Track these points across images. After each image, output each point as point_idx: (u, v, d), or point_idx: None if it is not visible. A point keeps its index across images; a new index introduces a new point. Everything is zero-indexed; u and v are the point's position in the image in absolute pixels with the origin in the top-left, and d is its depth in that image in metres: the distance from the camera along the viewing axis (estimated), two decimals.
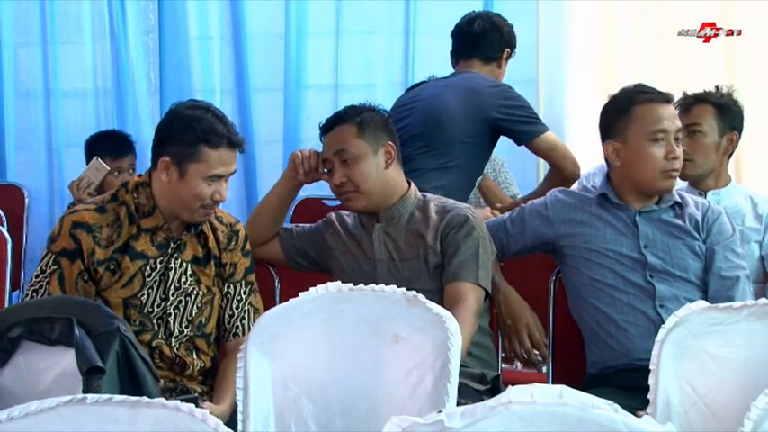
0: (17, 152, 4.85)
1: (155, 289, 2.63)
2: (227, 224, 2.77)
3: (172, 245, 2.65)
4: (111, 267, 2.60)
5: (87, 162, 4.17)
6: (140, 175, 2.73)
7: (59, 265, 2.58)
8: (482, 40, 3.67)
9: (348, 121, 2.82)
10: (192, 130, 2.56)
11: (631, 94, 2.88)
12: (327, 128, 2.86)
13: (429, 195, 2.90)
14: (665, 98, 2.86)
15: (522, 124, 3.49)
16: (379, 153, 2.80)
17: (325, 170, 2.88)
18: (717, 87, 3.35)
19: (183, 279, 2.66)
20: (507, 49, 3.72)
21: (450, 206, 2.83)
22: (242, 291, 2.75)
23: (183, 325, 2.66)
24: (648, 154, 2.81)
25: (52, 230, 2.65)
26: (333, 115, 2.90)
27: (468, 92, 3.52)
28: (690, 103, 3.29)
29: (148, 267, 2.62)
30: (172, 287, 2.64)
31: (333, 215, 2.96)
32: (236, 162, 2.65)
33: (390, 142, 2.82)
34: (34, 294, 2.58)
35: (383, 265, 2.79)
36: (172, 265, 2.65)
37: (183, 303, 2.66)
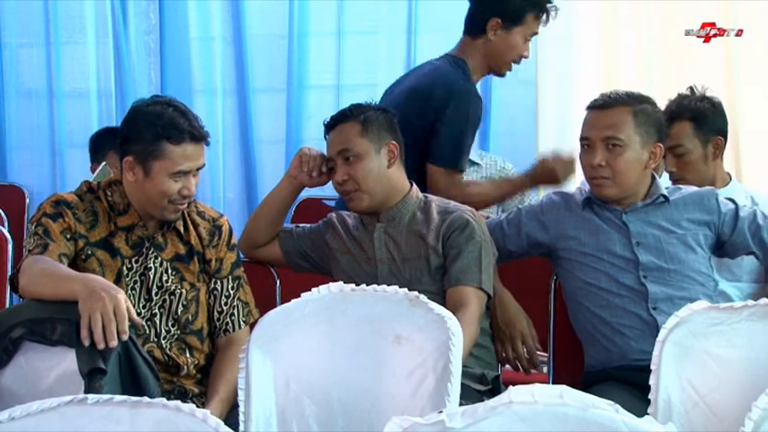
0: (19, 152, 4.86)
1: (137, 290, 2.59)
2: (210, 219, 2.73)
3: (147, 243, 2.62)
4: (92, 258, 2.57)
5: (91, 160, 4.21)
6: (113, 173, 2.72)
7: (42, 223, 2.54)
8: (467, 15, 3.33)
9: (352, 119, 2.82)
10: (152, 127, 2.51)
11: None
12: (331, 125, 2.86)
13: (430, 196, 2.90)
14: (594, 104, 2.84)
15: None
16: (381, 152, 2.80)
17: (329, 168, 2.87)
18: (691, 89, 3.29)
19: (164, 278, 2.63)
20: (496, 18, 3.22)
21: (453, 208, 2.83)
22: (229, 287, 2.72)
23: (170, 324, 2.63)
24: (579, 159, 2.86)
25: (32, 217, 2.62)
26: (337, 113, 2.90)
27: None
28: (666, 124, 3.21)
29: (125, 267, 2.59)
30: (154, 287, 2.61)
31: (333, 215, 2.96)
32: (203, 155, 2.59)
33: (393, 142, 2.82)
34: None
35: (384, 266, 2.79)
36: (151, 264, 2.61)
37: (168, 303, 2.63)
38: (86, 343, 2.17)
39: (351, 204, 2.83)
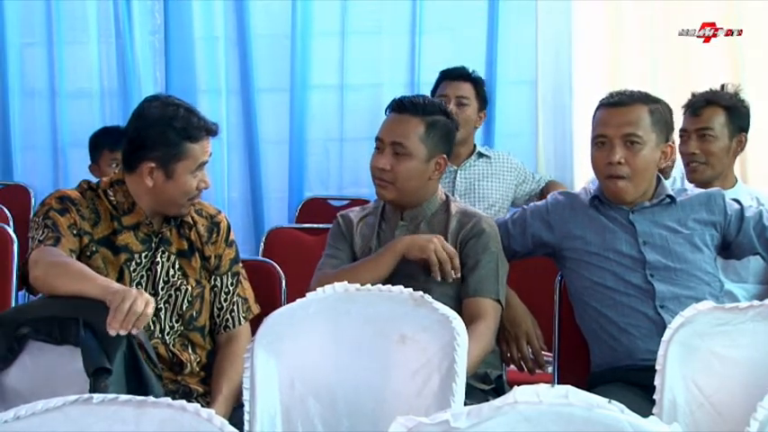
0: (25, 152, 4.86)
1: (143, 284, 2.59)
2: (207, 216, 2.74)
3: (155, 239, 2.63)
4: (97, 255, 2.57)
5: (91, 158, 4.21)
6: (115, 173, 2.72)
7: (50, 216, 2.53)
8: None
9: (420, 115, 2.74)
10: (171, 131, 2.53)
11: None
12: (398, 110, 2.77)
13: (451, 198, 2.88)
14: (610, 102, 2.83)
15: None
16: (431, 162, 2.76)
17: (375, 148, 2.80)
18: (722, 87, 3.34)
19: (171, 273, 2.63)
20: None
21: (471, 212, 2.82)
22: (229, 283, 2.73)
23: (174, 320, 2.63)
24: (593, 157, 2.84)
25: (36, 211, 2.62)
26: (409, 99, 2.79)
27: None
28: (700, 106, 3.27)
29: (133, 262, 2.59)
30: (161, 281, 2.62)
31: (340, 221, 2.91)
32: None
33: (445, 156, 2.79)
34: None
35: (401, 264, 2.73)
36: (158, 259, 2.62)
37: (174, 298, 2.63)
38: (111, 331, 2.17)
39: (378, 191, 2.80)
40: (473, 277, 2.71)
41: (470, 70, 4.11)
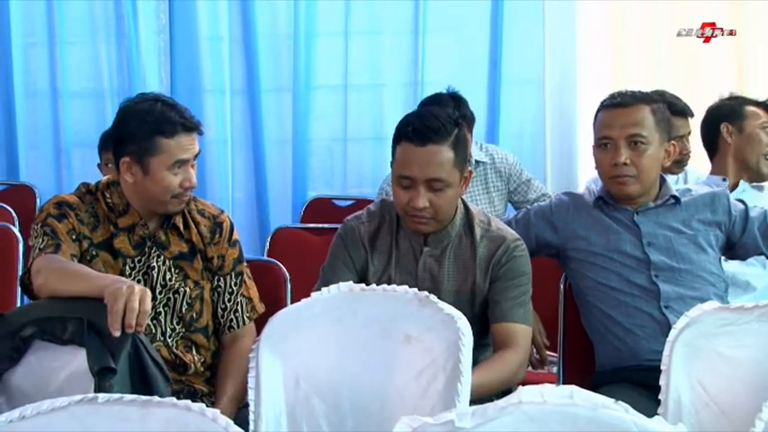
0: (30, 152, 4.87)
1: None
2: (210, 216, 2.72)
3: (149, 242, 2.62)
4: (97, 259, 2.56)
5: (100, 158, 4.22)
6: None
7: (48, 224, 2.52)
8: None
9: (444, 141, 2.48)
10: (144, 125, 2.51)
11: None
12: (420, 141, 2.48)
13: (471, 211, 2.68)
14: (613, 103, 2.81)
15: None
16: (461, 181, 2.57)
17: (403, 186, 2.54)
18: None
19: (167, 276, 2.62)
20: None
21: (497, 236, 2.63)
22: (232, 283, 2.71)
23: (175, 322, 2.62)
24: (598, 159, 2.84)
25: (35, 218, 2.61)
26: (427, 126, 2.50)
27: None
28: None
29: (127, 267, 2.58)
30: (158, 285, 2.60)
31: (349, 238, 2.68)
32: (196, 143, 2.58)
33: (470, 168, 2.62)
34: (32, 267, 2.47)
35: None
36: (154, 263, 2.61)
37: (172, 301, 2.62)
38: (114, 333, 2.14)
39: (416, 227, 2.58)
40: (505, 302, 2.58)
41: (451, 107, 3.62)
